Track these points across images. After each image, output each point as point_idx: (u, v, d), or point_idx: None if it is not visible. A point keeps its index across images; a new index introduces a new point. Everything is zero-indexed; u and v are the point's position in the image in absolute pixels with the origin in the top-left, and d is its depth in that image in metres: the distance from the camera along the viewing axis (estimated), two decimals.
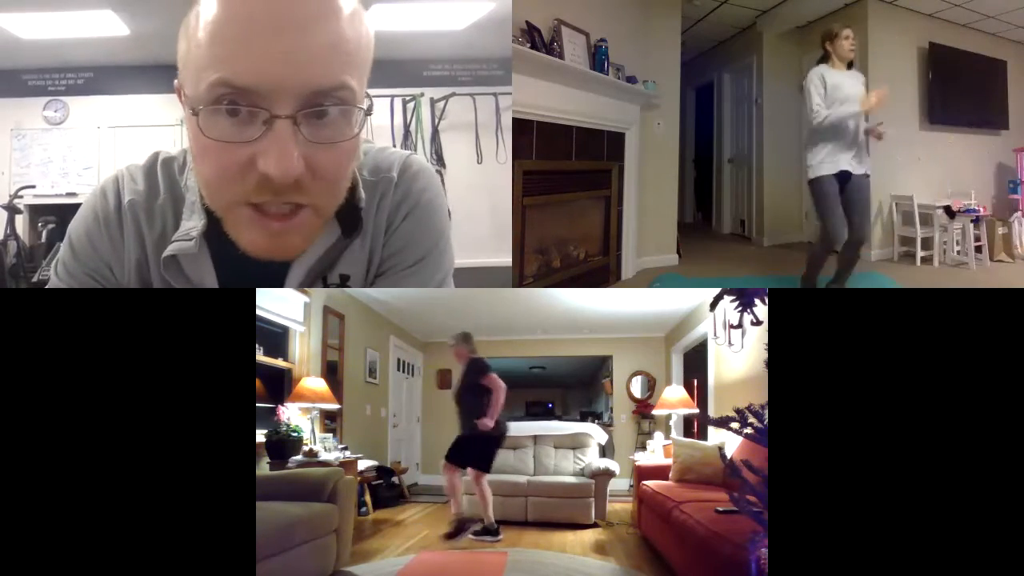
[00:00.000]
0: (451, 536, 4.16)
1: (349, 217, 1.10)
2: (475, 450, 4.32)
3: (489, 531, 4.23)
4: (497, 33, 4.68)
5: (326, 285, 1.13)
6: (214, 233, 1.06)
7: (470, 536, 4.17)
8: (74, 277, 1.14)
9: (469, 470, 4.33)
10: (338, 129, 0.96)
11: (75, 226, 1.15)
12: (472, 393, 4.31)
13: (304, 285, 1.12)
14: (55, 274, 1.16)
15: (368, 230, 1.13)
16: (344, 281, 1.13)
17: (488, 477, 5.23)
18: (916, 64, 5.95)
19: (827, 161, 3.86)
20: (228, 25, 0.91)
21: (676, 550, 3.03)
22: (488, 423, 4.23)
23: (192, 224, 1.08)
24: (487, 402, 4.24)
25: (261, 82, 0.90)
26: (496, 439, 4.37)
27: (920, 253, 5.55)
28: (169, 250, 1.08)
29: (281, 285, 1.11)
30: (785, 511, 1.29)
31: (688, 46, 6.08)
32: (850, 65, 3.98)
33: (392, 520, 5.03)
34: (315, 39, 0.92)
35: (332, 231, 1.10)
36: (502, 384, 4.28)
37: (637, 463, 4.76)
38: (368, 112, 1.00)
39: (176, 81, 1.00)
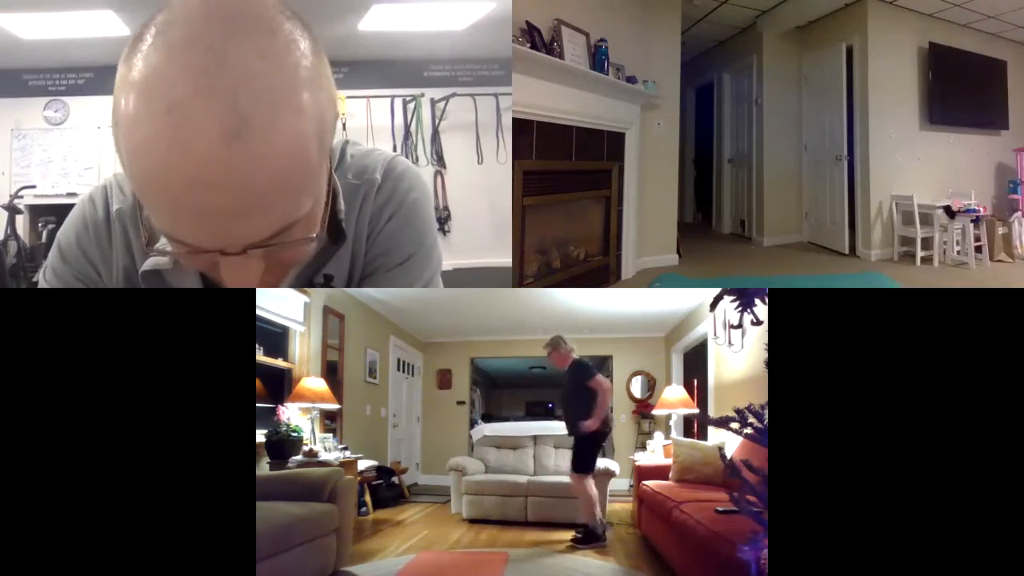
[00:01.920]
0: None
1: (334, 225, 1.10)
2: (576, 450, 4.31)
3: (594, 536, 4.04)
4: (497, 33, 4.68)
5: (311, 285, 1.13)
6: None
7: (572, 543, 4.03)
8: (62, 280, 1.14)
9: (571, 472, 4.30)
10: (296, 242, 0.89)
11: (64, 232, 1.15)
12: (578, 395, 4.25)
13: (292, 287, 1.13)
14: (43, 279, 1.17)
15: (351, 232, 1.13)
16: (328, 281, 1.13)
17: (488, 477, 5.26)
18: (916, 64, 5.95)
19: None
20: (150, 182, 0.78)
21: (676, 550, 3.03)
22: (592, 425, 4.17)
23: None
24: (592, 404, 4.17)
25: (199, 242, 0.82)
26: (598, 437, 4.30)
27: (920, 253, 5.56)
28: (146, 264, 1.08)
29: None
30: (785, 511, 1.29)
31: (688, 46, 6.08)
32: None
33: (392, 520, 5.03)
34: (254, 190, 0.77)
35: (320, 238, 1.10)
36: (608, 385, 4.23)
37: (637, 463, 4.77)
38: (316, 236, 0.92)
39: None
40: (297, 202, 0.83)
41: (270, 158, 0.77)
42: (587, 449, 4.26)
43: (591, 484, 4.21)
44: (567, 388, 4.36)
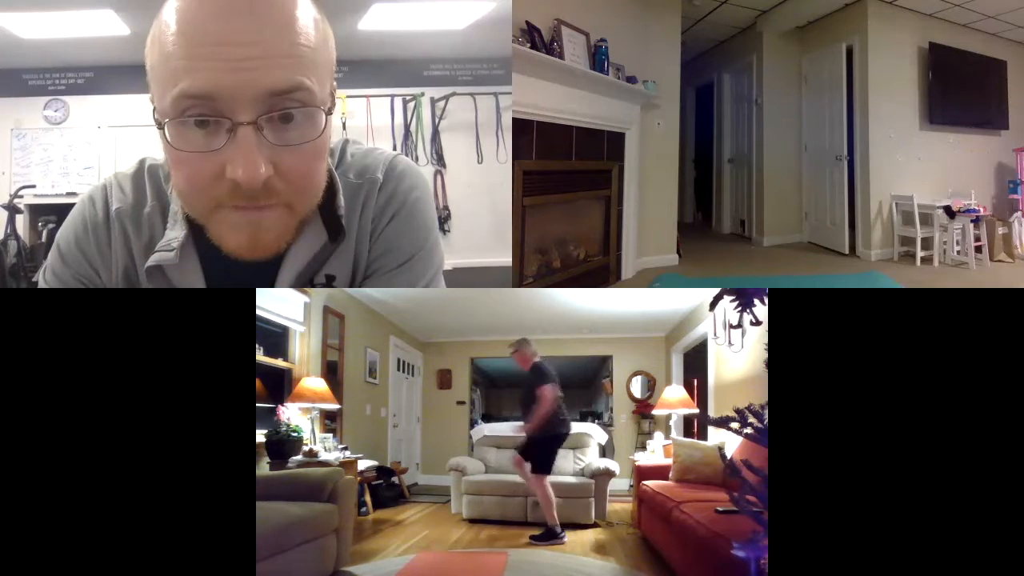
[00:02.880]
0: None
1: (334, 222, 1.11)
2: (535, 451, 4.43)
3: (552, 534, 4.22)
4: (497, 33, 4.67)
5: (312, 285, 1.13)
6: (200, 239, 1.07)
7: (529, 539, 4.19)
8: (62, 281, 1.14)
9: (530, 472, 4.43)
10: (302, 131, 0.98)
11: (64, 233, 1.16)
12: (529, 398, 4.45)
13: (293, 287, 1.13)
14: (43, 280, 1.17)
15: (353, 232, 1.13)
16: (330, 281, 1.14)
17: (488, 477, 5.26)
18: (916, 64, 5.95)
19: None
20: (183, 39, 0.95)
21: (676, 550, 3.03)
22: (528, 429, 4.40)
23: (174, 234, 1.09)
24: (533, 410, 4.39)
25: (218, 90, 0.93)
26: (555, 439, 4.47)
27: (920, 253, 5.56)
28: (151, 260, 1.09)
29: (271, 287, 1.12)
30: (785, 511, 1.29)
31: (688, 46, 6.08)
32: None
33: (392, 520, 5.03)
34: (268, 44, 0.95)
35: (319, 235, 1.11)
36: (551, 395, 4.38)
37: (637, 463, 4.76)
38: (329, 111, 1.02)
39: (149, 94, 1.02)
40: (297, 64, 0.97)
41: (278, 9, 0.97)
42: (545, 451, 4.42)
43: (548, 485, 4.38)
44: (524, 389, 4.56)
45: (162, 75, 0.96)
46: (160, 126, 0.97)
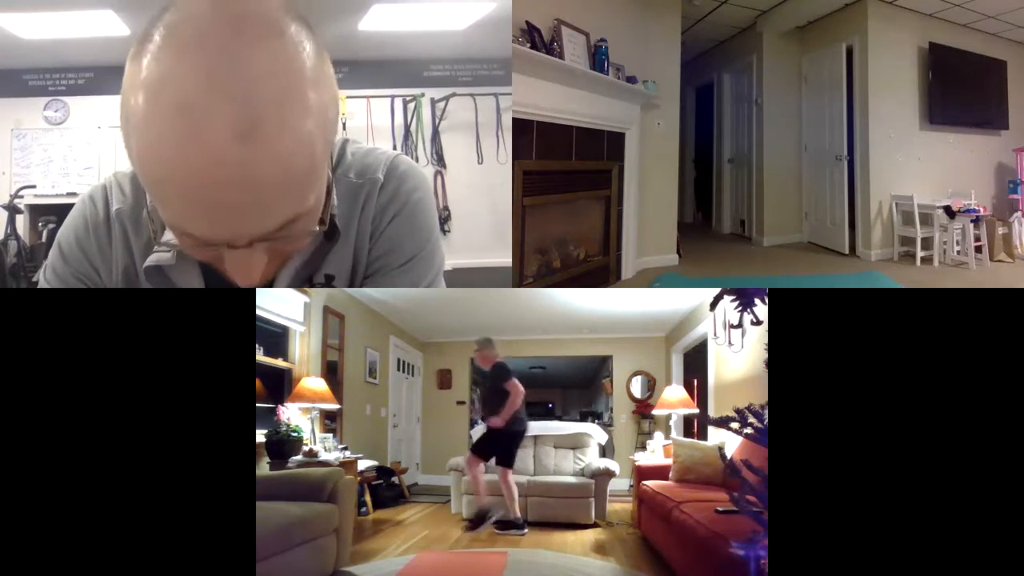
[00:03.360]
0: (472, 526, 4.50)
1: (329, 223, 1.10)
2: (499, 446, 4.64)
3: (515, 524, 4.47)
4: (497, 33, 4.68)
5: (311, 285, 1.13)
6: None
7: (493, 528, 4.40)
8: (63, 281, 1.14)
9: (495, 465, 4.64)
10: (300, 234, 0.92)
11: (65, 232, 1.16)
12: (497, 395, 4.63)
13: (291, 287, 1.13)
14: (43, 278, 1.17)
15: (352, 232, 1.13)
16: (329, 281, 1.13)
17: (488, 477, 5.26)
18: (916, 64, 5.95)
19: None
20: (161, 180, 0.81)
21: (676, 550, 3.03)
22: (497, 422, 4.58)
23: (173, 234, 1.08)
24: (503, 403, 4.57)
25: (211, 236, 0.85)
26: (518, 435, 4.70)
27: (920, 253, 5.56)
28: (150, 260, 1.08)
29: (270, 287, 1.12)
30: (785, 511, 1.29)
31: (688, 46, 6.08)
32: None
33: (392, 520, 5.03)
34: (263, 187, 0.80)
35: (316, 235, 1.10)
36: (521, 389, 4.59)
37: (637, 463, 4.76)
38: (323, 224, 0.96)
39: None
40: (303, 196, 0.86)
41: (280, 157, 0.80)
42: (508, 445, 4.65)
43: (512, 478, 4.60)
44: (486, 386, 4.80)
45: (140, 178, 0.85)
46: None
